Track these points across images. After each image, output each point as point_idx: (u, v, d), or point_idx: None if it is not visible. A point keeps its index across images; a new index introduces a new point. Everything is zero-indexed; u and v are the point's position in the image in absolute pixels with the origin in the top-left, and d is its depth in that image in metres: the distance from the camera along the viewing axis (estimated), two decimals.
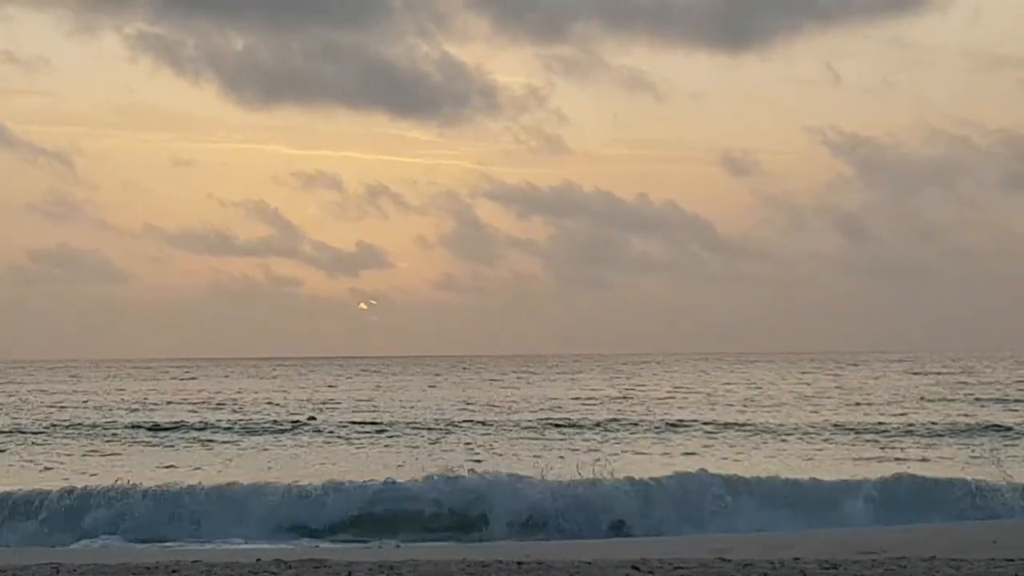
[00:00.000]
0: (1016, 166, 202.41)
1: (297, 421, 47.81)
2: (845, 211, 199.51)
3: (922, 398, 59.25)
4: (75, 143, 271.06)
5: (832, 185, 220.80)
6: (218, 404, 60.25)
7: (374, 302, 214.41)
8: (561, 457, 32.75)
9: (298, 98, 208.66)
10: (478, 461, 31.56)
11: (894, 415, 47.94)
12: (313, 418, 52.92)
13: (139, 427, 45.10)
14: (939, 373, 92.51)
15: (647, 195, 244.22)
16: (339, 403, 60.40)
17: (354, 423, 46.23)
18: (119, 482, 24.68)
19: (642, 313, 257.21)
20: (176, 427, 44.95)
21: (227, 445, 38.85)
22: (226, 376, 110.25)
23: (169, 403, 62.06)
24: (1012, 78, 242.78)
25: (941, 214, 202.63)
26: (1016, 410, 50.23)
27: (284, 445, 38.57)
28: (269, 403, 61.10)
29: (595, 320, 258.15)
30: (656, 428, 42.87)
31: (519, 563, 16.39)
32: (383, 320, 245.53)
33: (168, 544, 20.97)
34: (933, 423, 43.34)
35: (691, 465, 28.65)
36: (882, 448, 36.04)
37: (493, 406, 56.92)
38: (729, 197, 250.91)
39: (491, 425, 45.00)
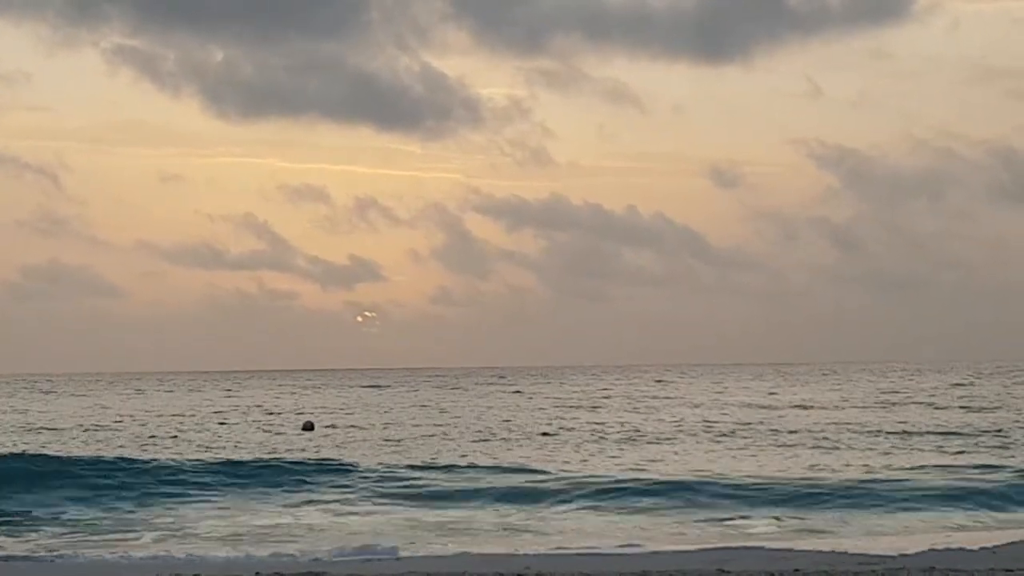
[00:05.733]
0: (1002, 177, 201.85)
1: None
2: (833, 223, 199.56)
3: None
4: (60, 158, 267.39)
5: (819, 197, 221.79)
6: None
7: (370, 314, 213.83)
8: None
9: (281, 111, 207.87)
10: None
11: None
12: (310, 425, 52.50)
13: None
14: None
15: (636, 207, 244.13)
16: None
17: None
18: None
19: (636, 324, 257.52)
20: None
21: None
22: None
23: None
24: (997, 89, 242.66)
25: (928, 225, 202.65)
26: None
27: None
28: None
29: (591, 332, 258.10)
30: None
31: (519, 575, 16.40)
32: (381, 332, 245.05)
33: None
34: None
35: None
36: None
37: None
38: (718, 209, 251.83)
39: None
